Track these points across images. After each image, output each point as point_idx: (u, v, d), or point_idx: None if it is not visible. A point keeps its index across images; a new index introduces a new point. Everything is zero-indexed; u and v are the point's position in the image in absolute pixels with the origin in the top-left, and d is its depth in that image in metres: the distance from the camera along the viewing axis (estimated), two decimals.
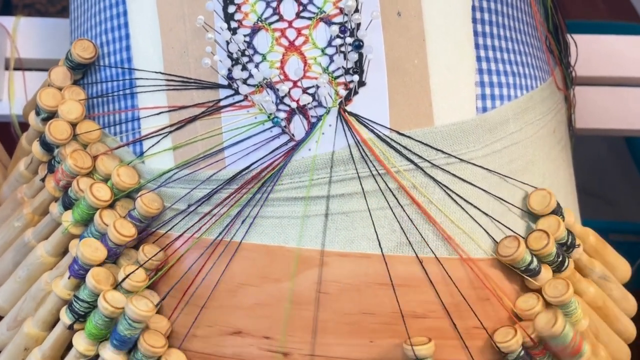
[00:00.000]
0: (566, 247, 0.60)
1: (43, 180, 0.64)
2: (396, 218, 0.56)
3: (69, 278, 0.58)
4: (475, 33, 0.60)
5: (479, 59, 0.60)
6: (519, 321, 0.57)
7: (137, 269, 0.57)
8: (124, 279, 0.56)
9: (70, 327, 0.57)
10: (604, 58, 0.84)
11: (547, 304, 0.57)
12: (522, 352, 0.56)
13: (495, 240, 0.58)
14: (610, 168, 1.21)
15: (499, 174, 0.59)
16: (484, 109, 0.59)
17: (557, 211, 0.60)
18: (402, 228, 0.56)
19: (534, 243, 0.58)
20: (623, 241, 0.71)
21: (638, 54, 0.85)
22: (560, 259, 0.58)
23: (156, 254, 0.57)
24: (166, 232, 0.59)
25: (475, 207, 0.57)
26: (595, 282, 0.62)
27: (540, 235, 0.58)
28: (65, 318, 0.57)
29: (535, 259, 0.58)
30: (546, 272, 0.58)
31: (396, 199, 0.56)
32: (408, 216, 0.56)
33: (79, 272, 0.58)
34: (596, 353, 0.59)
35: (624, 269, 0.65)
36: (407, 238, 0.56)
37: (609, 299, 0.63)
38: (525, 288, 0.58)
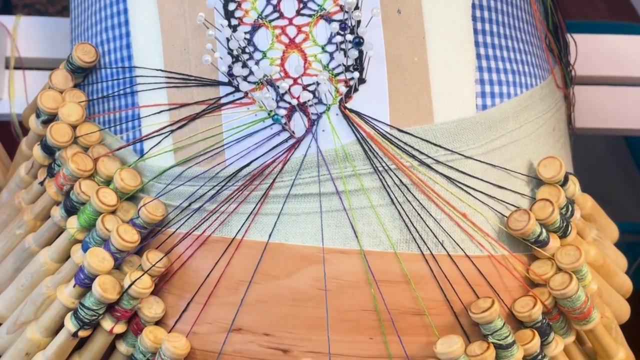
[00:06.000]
0: (567, 213, 0.60)
1: (41, 184, 0.63)
2: (399, 215, 0.56)
3: (74, 287, 0.57)
4: (475, 31, 0.60)
5: (479, 56, 0.60)
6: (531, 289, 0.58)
7: (142, 274, 0.57)
8: (130, 286, 0.56)
9: (75, 335, 0.57)
10: (604, 57, 0.84)
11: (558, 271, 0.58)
12: (545, 320, 0.57)
13: (503, 233, 0.58)
14: (610, 168, 1.21)
15: (501, 167, 0.59)
16: (484, 107, 0.59)
17: (567, 179, 0.61)
18: (403, 225, 0.56)
19: (539, 212, 0.58)
20: (623, 241, 0.71)
21: (638, 54, 0.85)
22: (565, 224, 0.59)
23: (160, 259, 0.57)
24: (167, 230, 0.59)
25: (484, 193, 0.58)
26: (592, 243, 0.63)
27: (545, 204, 0.58)
28: (70, 325, 0.57)
29: (544, 230, 0.58)
30: (554, 241, 0.58)
31: (403, 195, 0.56)
32: (416, 212, 0.56)
33: (85, 282, 0.57)
34: (602, 314, 0.60)
35: (614, 229, 0.68)
36: (409, 235, 0.56)
37: (607, 256, 0.64)
38: (527, 281, 0.58)
